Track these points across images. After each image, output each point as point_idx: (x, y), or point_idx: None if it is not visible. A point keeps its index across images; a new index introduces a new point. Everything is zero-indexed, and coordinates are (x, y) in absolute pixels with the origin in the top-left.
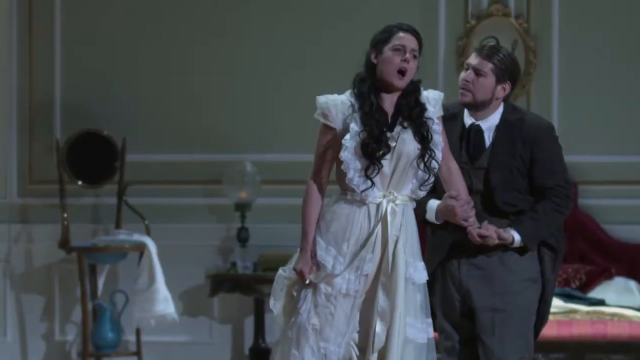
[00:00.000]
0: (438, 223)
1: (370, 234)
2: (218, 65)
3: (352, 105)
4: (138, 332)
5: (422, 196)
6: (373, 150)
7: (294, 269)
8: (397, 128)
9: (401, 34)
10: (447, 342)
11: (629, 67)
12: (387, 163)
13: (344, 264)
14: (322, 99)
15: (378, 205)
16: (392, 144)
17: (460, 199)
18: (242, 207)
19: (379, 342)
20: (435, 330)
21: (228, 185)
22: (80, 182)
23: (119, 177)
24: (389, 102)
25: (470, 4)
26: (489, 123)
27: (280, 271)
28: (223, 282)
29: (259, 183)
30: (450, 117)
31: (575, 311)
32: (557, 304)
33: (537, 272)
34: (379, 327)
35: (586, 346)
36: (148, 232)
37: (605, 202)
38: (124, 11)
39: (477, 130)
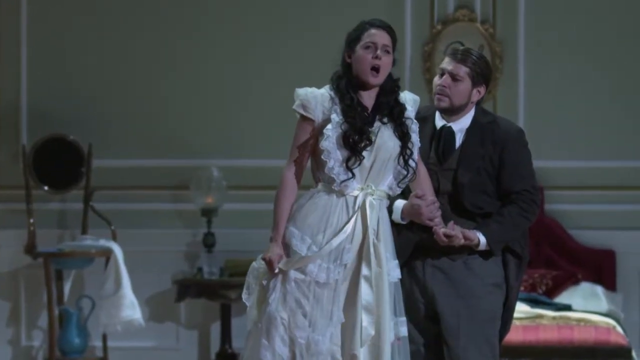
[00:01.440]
0: (403, 223)
1: (347, 223)
2: (185, 71)
3: (332, 98)
4: (104, 338)
5: (398, 192)
6: (355, 141)
7: (263, 258)
8: (377, 124)
9: (372, 31)
10: (411, 345)
11: (594, 72)
12: (366, 156)
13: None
14: (301, 91)
15: (356, 198)
16: (373, 138)
17: (426, 198)
18: (208, 213)
19: (366, 335)
20: None
21: (194, 190)
22: (46, 188)
23: (85, 182)
24: (367, 98)
25: (436, 9)
26: (461, 125)
27: (253, 263)
28: (189, 288)
29: (225, 188)
30: (422, 120)
31: (541, 316)
32: (523, 309)
33: (502, 277)
34: (365, 321)
35: (553, 351)
36: (114, 238)
37: (572, 207)
38: (90, 16)
39: (448, 132)
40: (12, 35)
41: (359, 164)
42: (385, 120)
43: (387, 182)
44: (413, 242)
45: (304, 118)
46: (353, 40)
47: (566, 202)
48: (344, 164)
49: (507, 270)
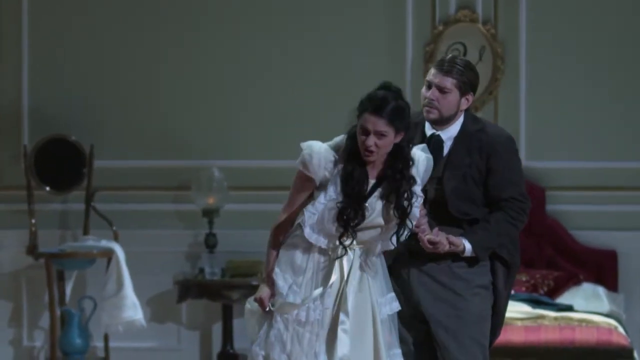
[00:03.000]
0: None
1: (328, 269)
2: (186, 72)
3: (335, 161)
4: (106, 338)
5: (377, 253)
6: (349, 218)
7: (255, 299)
8: (376, 194)
9: (366, 115)
10: (403, 346)
11: (596, 73)
12: None
13: (299, 295)
14: (306, 149)
15: (335, 246)
16: (367, 214)
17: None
18: (209, 213)
19: None
20: None
21: (196, 191)
22: (48, 188)
23: (87, 183)
24: (374, 164)
25: (437, 9)
26: (450, 133)
27: (246, 305)
28: (191, 288)
29: (227, 189)
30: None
31: (543, 317)
32: (525, 309)
33: (488, 280)
34: None
35: (554, 352)
36: (116, 238)
37: (573, 207)
38: (91, 17)
39: (437, 140)
40: (14, 36)
41: (352, 242)
42: (385, 194)
43: (368, 244)
44: (397, 248)
45: (304, 175)
46: (357, 115)
47: (568, 203)
48: (336, 239)
49: (495, 276)
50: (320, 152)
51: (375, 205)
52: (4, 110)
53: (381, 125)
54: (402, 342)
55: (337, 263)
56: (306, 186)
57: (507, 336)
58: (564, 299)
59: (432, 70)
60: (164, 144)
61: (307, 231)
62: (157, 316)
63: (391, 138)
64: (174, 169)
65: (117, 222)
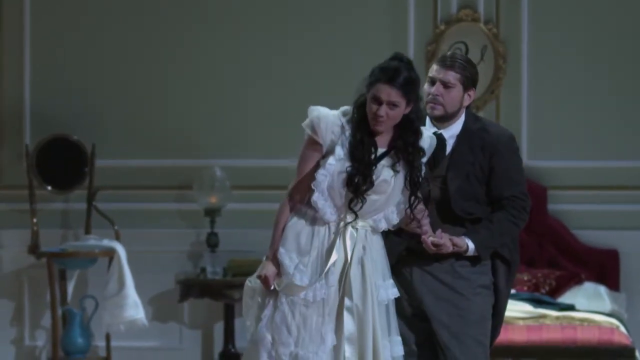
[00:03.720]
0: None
1: (330, 248)
2: (188, 71)
3: (343, 126)
4: (108, 338)
5: (382, 229)
6: (358, 184)
7: (258, 277)
8: (382, 163)
9: (379, 85)
10: (405, 346)
11: (598, 72)
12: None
13: (306, 274)
14: (314, 112)
15: (338, 225)
16: (375, 181)
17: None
18: (211, 213)
19: None
20: None
21: (198, 190)
22: (49, 188)
23: (89, 182)
24: (383, 136)
25: (439, 9)
26: (452, 132)
27: (247, 282)
28: (193, 288)
29: (229, 188)
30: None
31: (545, 316)
32: (526, 309)
33: (490, 280)
34: (348, 352)
35: (556, 351)
36: (118, 238)
37: (575, 207)
38: (93, 17)
39: (439, 139)
40: (15, 36)
41: (362, 207)
42: (395, 163)
43: (374, 218)
44: (401, 247)
45: (312, 140)
46: (368, 84)
47: (570, 202)
48: (346, 204)
49: (496, 275)
50: (327, 116)
51: (380, 173)
52: (6, 110)
53: (394, 95)
54: (404, 341)
55: (339, 241)
56: (314, 152)
57: (509, 336)
58: (565, 298)
59: (435, 66)
60: (166, 143)
61: (316, 195)
62: (159, 315)
63: (402, 109)
64: (176, 168)
65: (119, 221)
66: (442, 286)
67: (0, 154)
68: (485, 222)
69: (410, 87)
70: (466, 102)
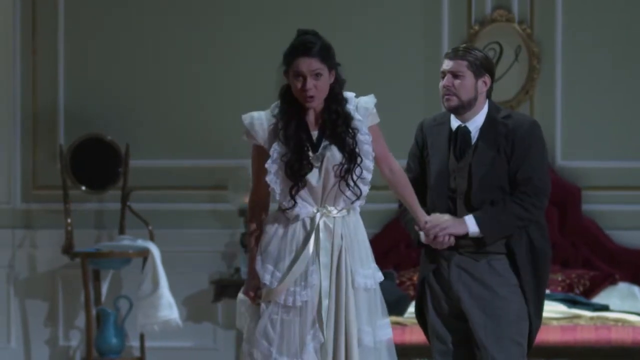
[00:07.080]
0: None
1: (304, 247)
2: (223, 71)
3: (276, 123)
4: (142, 338)
5: (359, 206)
6: (295, 171)
7: (243, 293)
8: (325, 142)
9: (297, 61)
10: (441, 345)
11: (632, 73)
12: (315, 179)
13: (281, 277)
14: (246, 120)
15: (312, 219)
16: (317, 164)
17: (424, 227)
18: (246, 213)
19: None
20: (426, 334)
21: (232, 190)
22: (83, 188)
23: (123, 182)
24: (313, 115)
25: (473, 9)
26: (476, 123)
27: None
28: (227, 288)
29: None
30: (438, 125)
31: (579, 317)
32: (560, 309)
33: None
34: (325, 304)
35: (590, 351)
36: (152, 238)
37: (609, 207)
38: (126, 17)
39: (464, 132)
40: (50, 36)
41: (298, 191)
42: (329, 140)
43: (343, 200)
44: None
45: (253, 145)
46: (285, 69)
47: (604, 203)
48: (288, 193)
49: (520, 278)
50: (259, 117)
51: (326, 151)
52: (40, 110)
53: (315, 63)
54: (441, 340)
55: (313, 237)
56: (261, 156)
57: (543, 336)
58: (599, 298)
59: (444, 61)
60: (200, 143)
61: (279, 198)
62: (193, 316)
63: (326, 76)
64: (210, 169)
65: (153, 221)
66: (479, 285)
67: (35, 154)
68: (495, 205)
69: (326, 52)
70: (482, 89)
